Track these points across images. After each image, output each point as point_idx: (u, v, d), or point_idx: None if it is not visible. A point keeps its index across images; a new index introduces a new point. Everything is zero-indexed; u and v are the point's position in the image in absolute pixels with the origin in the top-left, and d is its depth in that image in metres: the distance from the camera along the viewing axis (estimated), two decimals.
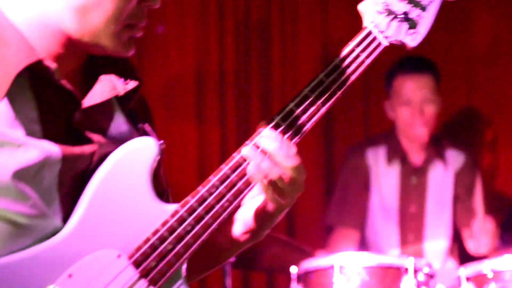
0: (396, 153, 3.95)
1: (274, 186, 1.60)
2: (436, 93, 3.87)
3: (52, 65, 1.56)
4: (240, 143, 1.66)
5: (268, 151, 1.61)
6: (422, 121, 3.83)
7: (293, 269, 3.28)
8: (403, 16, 1.84)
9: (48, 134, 1.55)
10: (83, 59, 1.65)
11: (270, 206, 1.67)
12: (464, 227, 3.90)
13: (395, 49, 1.95)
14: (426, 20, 1.87)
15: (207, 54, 4.29)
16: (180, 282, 1.60)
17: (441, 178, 3.93)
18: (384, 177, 3.95)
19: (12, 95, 1.52)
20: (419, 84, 3.84)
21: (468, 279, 3.33)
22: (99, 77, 1.65)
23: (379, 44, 1.79)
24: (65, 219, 1.55)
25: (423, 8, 1.87)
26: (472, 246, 3.89)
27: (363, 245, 3.91)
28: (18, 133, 1.52)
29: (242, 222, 1.72)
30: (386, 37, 1.80)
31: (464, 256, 3.90)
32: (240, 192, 1.62)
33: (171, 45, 4.24)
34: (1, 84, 1.51)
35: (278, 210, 1.67)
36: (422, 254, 3.83)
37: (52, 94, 1.58)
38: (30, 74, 1.54)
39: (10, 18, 1.58)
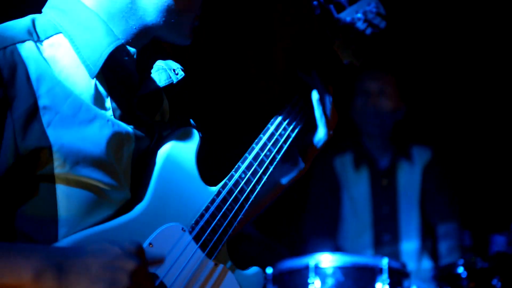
0: (363, 157, 4.04)
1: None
2: (395, 90, 4.02)
3: (132, 49, 1.73)
4: None
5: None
6: (376, 110, 3.98)
7: (269, 270, 3.30)
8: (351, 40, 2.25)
9: (118, 115, 1.71)
10: (141, 47, 1.80)
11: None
12: (436, 226, 3.96)
13: None
14: (367, 45, 2.28)
15: None
16: (229, 262, 1.83)
17: (409, 176, 4.01)
18: (353, 183, 4.03)
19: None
20: (378, 79, 4.03)
21: (442, 278, 3.37)
22: (153, 65, 1.83)
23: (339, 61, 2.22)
24: (132, 191, 1.72)
25: (365, 36, 2.28)
26: (443, 248, 3.94)
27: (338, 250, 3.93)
28: (103, 110, 1.67)
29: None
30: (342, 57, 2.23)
31: (438, 255, 3.94)
32: (261, 179, 1.92)
33: None
34: (93, 63, 1.67)
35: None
36: (398, 254, 3.87)
37: (121, 78, 1.73)
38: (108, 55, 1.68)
39: (95, 10, 1.72)
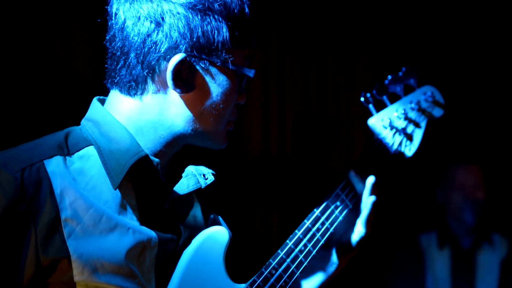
0: (447, 237, 4.23)
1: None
2: (484, 181, 4.21)
3: (156, 160, 1.78)
4: None
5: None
6: (474, 203, 4.16)
7: None
8: (401, 130, 2.22)
9: (145, 220, 1.75)
10: (172, 155, 1.85)
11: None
12: None
13: None
14: (419, 135, 2.25)
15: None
16: None
17: (489, 261, 4.17)
18: (437, 261, 4.20)
19: (120, 185, 1.74)
20: (473, 173, 4.21)
21: None
22: (184, 171, 1.89)
23: (388, 153, 2.17)
24: None
25: (417, 125, 2.26)
26: None
27: None
28: (125, 218, 1.72)
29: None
30: (391, 148, 2.19)
31: None
32: (293, 274, 1.93)
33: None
34: (116, 174, 1.72)
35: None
36: None
37: (148, 185, 1.78)
38: (130, 168, 1.74)
39: (119, 120, 1.78)
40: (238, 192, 4.28)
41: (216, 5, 1.71)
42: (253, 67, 1.82)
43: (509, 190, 4.62)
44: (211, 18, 1.71)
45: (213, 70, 1.75)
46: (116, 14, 1.75)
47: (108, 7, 1.78)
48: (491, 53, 4.62)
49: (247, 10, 1.77)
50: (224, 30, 1.72)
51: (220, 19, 1.72)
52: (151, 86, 1.75)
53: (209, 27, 1.71)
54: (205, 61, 1.73)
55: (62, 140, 1.74)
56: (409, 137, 2.23)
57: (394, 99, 2.27)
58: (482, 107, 4.67)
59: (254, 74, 1.81)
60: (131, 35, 1.72)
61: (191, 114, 1.77)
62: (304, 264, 1.95)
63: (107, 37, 1.79)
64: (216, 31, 1.71)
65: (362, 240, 2.08)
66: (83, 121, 1.82)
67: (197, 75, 1.74)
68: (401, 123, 2.22)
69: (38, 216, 1.63)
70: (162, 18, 1.70)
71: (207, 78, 1.75)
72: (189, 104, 1.76)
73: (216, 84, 1.76)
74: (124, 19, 1.73)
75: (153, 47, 1.71)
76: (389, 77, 2.23)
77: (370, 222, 2.07)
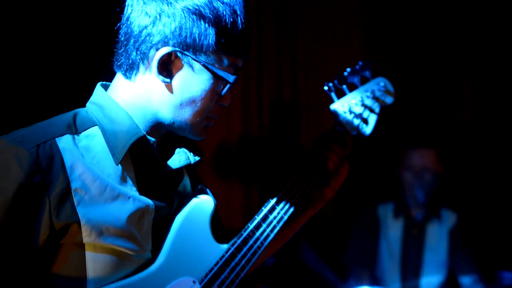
0: (402, 209, 4.55)
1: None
2: (436, 163, 4.47)
3: (152, 139, 1.91)
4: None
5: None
6: (420, 184, 4.46)
7: None
8: (359, 115, 2.42)
9: (143, 190, 1.88)
10: (163, 135, 1.98)
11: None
12: (460, 277, 4.47)
13: None
14: (373, 119, 2.44)
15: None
16: None
17: (436, 232, 4.49)
18: (391, 228, 4.51)
19: (121, 161, 1.86)
20: (421, 156, 4.47)
21: None
22: (175, 149, 2.02)
23: (347, 133, 2.37)
24: (153, 252, 1.90)
25: (372, 111, 2.45)
26: None
27: (373, 280, 4.48)
28: (126, 189, 1.84)
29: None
30: (352, 130, 2.39)
31: None
32: (268, 236, 2.11)
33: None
34: (118, 152, 1.85)
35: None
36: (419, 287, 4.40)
37: (145, 161, 1.90)
38: (130, 146, 1.86)
39: (118, 102, 1.91)
40: (223, 167, 4.50)
41: (208, 13, 1.84)
42: (236, 75, 1.92)
43: (456, 170, 4.83)
44: (201, 22, 1.83)
45: (196, 67, 1.86)
46: (128, 5, 1.91)
47: None
48: (443, 41, 4.80)
49: (239, 23, 1.88)
50: (211, 35, 1.84)
51: (210, 25, 1.84)
52: (142, 71, 1.88)
53: (198, 30, 1.84)
54: (190, 58, 1.85)
55: (70, 121, 1.86)
56: (365, 121, 2.40)
57: (352, 88, 2.42)
58: (434, 94, 4.89)
59: (235, 80, 1.90)
60: (133, 25, 1.87)
61: (172, 103, 1.88)
62: (277, 228, 2.12)
63: (120, 24, 1.93)
64: (203, 35, 1.84)
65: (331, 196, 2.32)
66: (88, 104, 1.94)
67: (180, 68, 1.86)
68: (358, 109, 2.39)
69: (51, 186, 1.73)
70: (160, 16, 1.84)
71: (189, 73, 1.86)
72: (171, 93, 1.87)
73: (197, 80, 1.87)
74: (131, 11, 1.89)
75: (147, 38, 1.85)
76: (348, 69, 2.40)
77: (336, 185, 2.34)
